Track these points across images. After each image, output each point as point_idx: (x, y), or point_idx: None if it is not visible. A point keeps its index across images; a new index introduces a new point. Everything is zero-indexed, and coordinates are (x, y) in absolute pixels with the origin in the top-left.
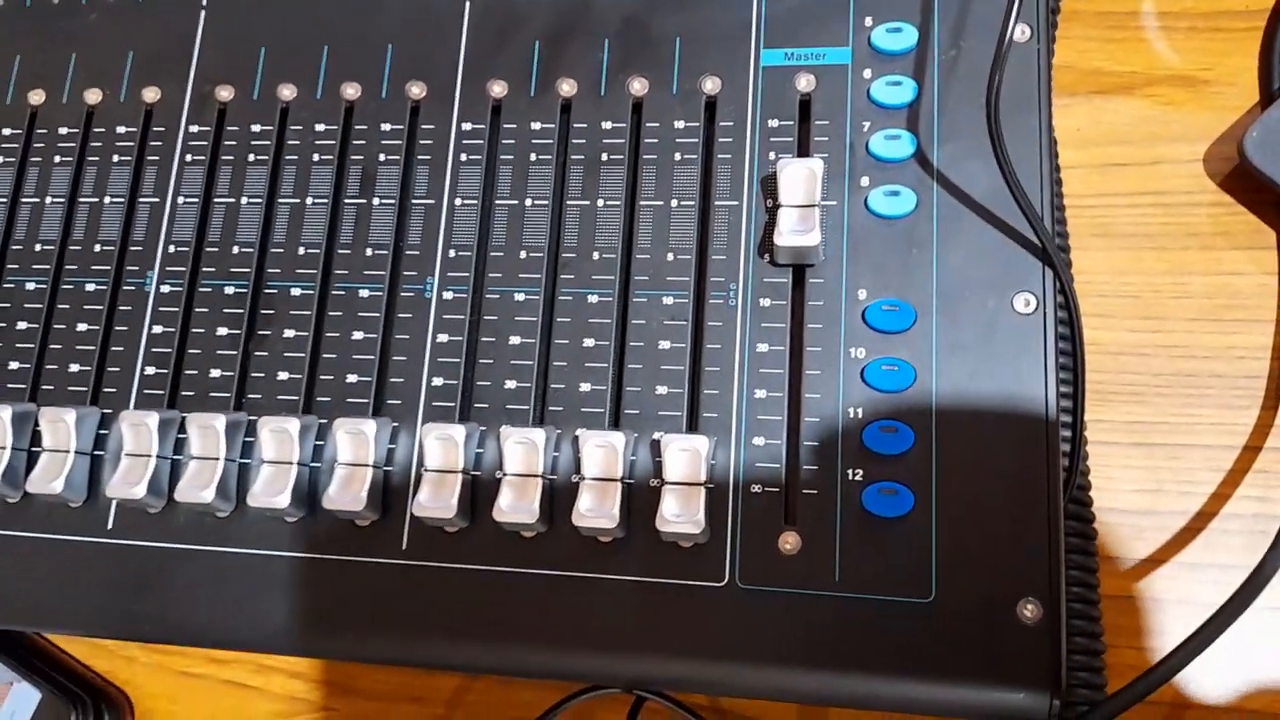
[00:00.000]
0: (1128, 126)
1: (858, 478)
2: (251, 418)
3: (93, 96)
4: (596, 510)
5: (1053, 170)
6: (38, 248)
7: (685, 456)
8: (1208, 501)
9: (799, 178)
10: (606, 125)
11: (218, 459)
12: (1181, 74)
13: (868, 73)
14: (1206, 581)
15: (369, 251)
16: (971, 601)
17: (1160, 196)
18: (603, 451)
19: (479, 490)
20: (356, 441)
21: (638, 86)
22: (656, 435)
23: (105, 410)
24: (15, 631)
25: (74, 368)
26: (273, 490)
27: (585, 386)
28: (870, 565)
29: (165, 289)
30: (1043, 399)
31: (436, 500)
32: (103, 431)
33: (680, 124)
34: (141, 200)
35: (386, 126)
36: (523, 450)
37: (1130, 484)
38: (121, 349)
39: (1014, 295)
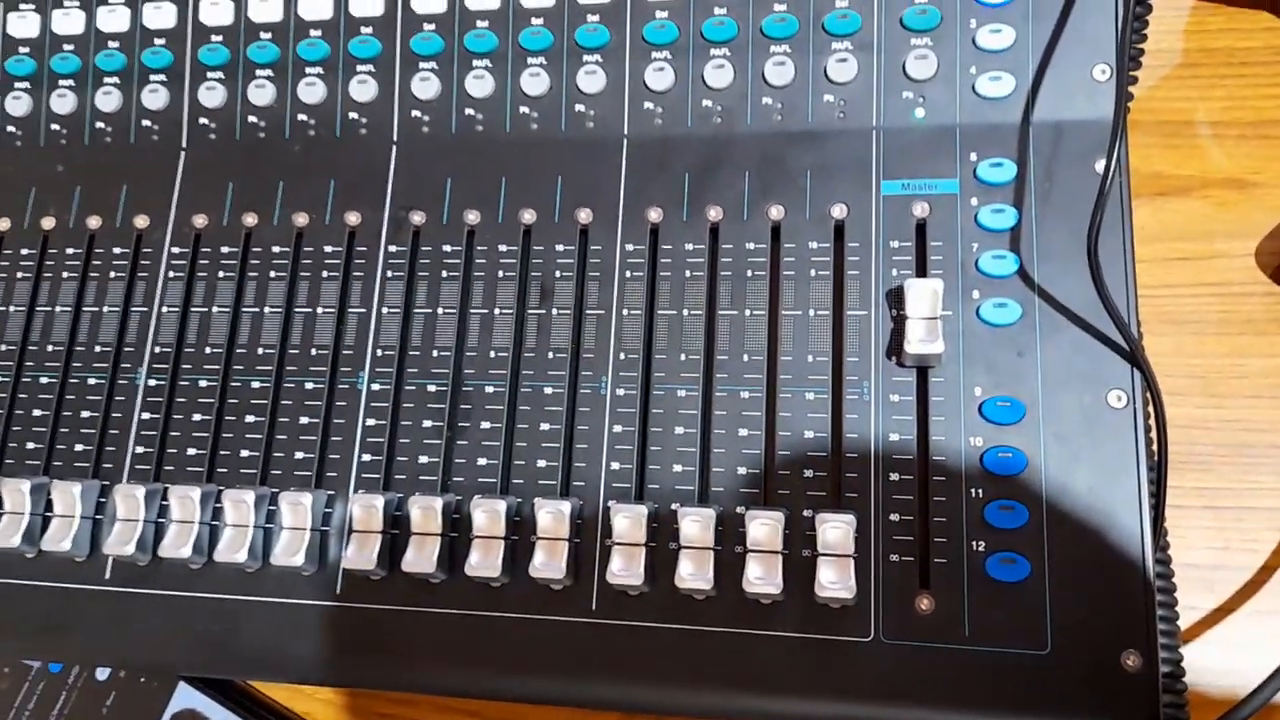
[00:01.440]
0: (1187, 224)
1: (980, 548)
2: (458, 498)
3: (300, 219)
4: (764, 578)
5: (1135, 282)
6: (260, 351)
7: (837, 531)
8: (1270, 556)
9: (923, 295)
10: (750, 246)
11: (437, 535)
12: (1233, 177)
13: (974, 201)
14: (1273, 626)
15: (551, 355)
16: (1082, 654)
17: (1218, 287)
18: (766, 527)
19: (656, 559)
20: (554, 519)
21: (775, 212)
22: (807, 512)
23: (329, 492)
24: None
25: (298, 455)
26: (486, 562)
27: (741, 470)
28: (994, 623)
29: (376, 387)
30: (1135, 478)
31: (627, 569)
32: (328, 510)
33: (814, 244)
34: (350, 310)
35: (560, 247)
36: (697, 526)
37: (1202, 542)
38: (340, 439)
39: (1108, 392)
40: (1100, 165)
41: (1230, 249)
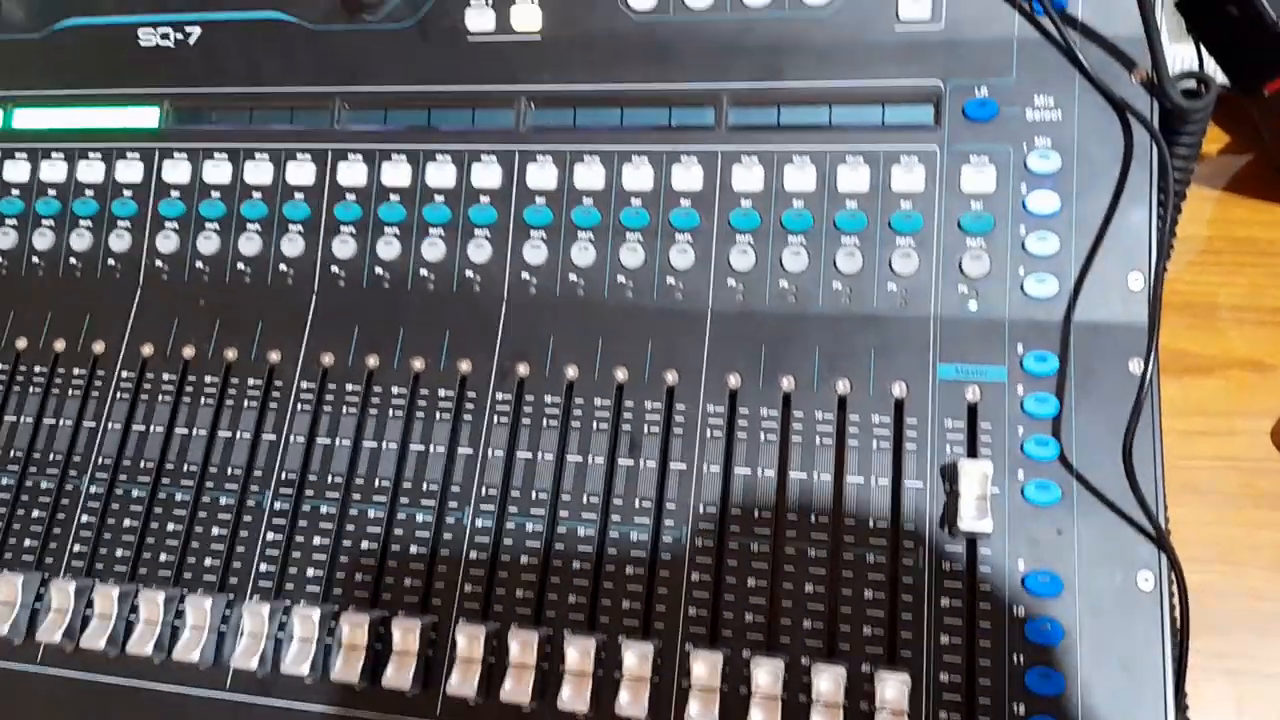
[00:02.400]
0: (1209, 400)
1: (1020, 711)
2: (549, 631)
3: (418, 364)
4: None
5: (1163, 473)
6: (377, 483)
7: (894, 689)
8: None
9: (975, 476)
10: (819, 415)
11: (531, 667)
12: (1253, 359)
13: (1020, 389)
14: None
15: (638, 502)
16: None
17: (1236, 461)
18: (830, 682)
19: (726, 703)
20: (639, 659)
21: (842, 386)
22: (865, 667)
23: (432, 618)
24: None
25: (407, 582)
26: (575, 696)
27: (807, 624)
28: None
29: (480, 523)
30: (1160, 652)
31: (704, 713)
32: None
33: (876, 418)
34: (460, 450)
35: (649, 404)
36: (767, 674)
37: (1218, 705)
38: (444, 569)
39: (1138, 572)
40: (1133, 365)
41: (1248, 426)
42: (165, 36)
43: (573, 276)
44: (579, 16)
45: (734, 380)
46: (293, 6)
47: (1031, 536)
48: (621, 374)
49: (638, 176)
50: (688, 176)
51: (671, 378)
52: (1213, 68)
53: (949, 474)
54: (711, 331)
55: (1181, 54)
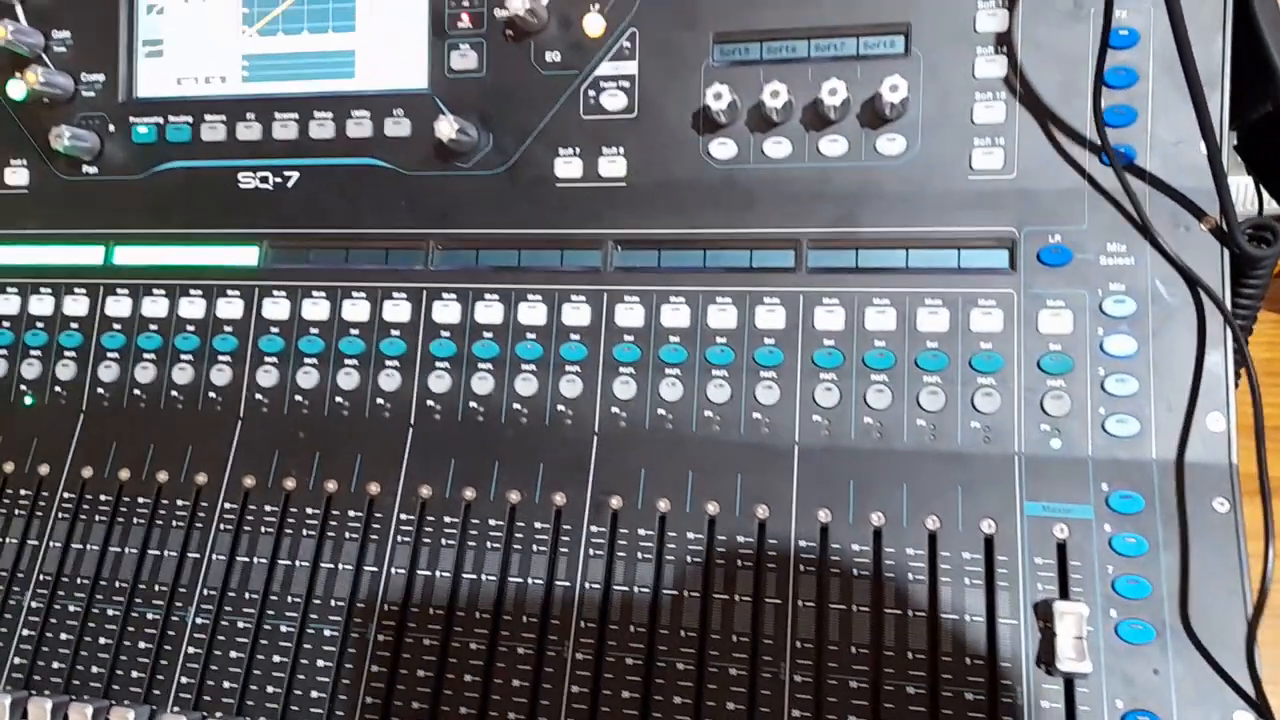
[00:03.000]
0: None
1: None
2: None
3: (514, 496)
4: None
5: (1252, 612)
6: (477, 615)
7: None
8: None
9: (1071, 618)
10: (910, 551)
11: None
12: None
13: (1108, 527)
14: None
15: (734, 637)
16: None
17: None
18: None
19: None
20: None
21: (931, 523)
22: None
23: None
24: None
25: (511, 715)
26: None
27: None
28: None
29: (579, 656)
30: None
31: None
32: None
33: (966, 554)
34: (557, 583)
35: (740, 538)
36: None
37: None
38: (547, 704)
39: (1234, 713)
40: (1218, 504)
41: None
42: (265, 180)
43: (661, 411)
44: (662, 165)
45: (824, 515)
46: (388, 153)
47: (1128, 676)
48: (713, 507)
49: (722, 316)
50: (771, 317)
51: (762, 512)
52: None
53: (1042, 612)
54: (799, 466)
55: (1235, 183)
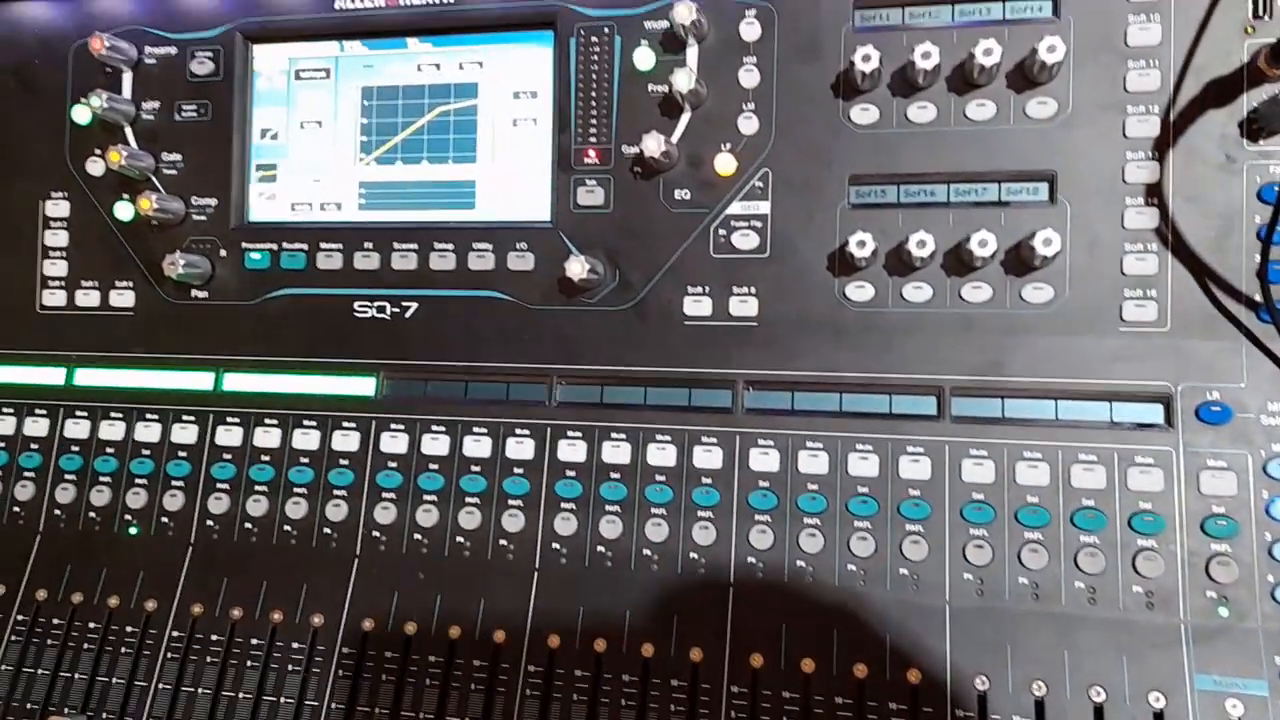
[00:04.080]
0: None
1: None
2: None
3: (647, 650)
4: None
5: None
6: None
7: None
8: None
9: None
10: None
11: None
12: None
13: None
14: None
15: None
16: None
17: None
18: None
19: None
20: None
21: (1096, 694)
22: None
23: None
24: None
25: None
26: None
27: None
28: None
29: None
30: None
31: None
32: None
33: None
34: None
35: (893, 705)
36: None
37: None
38: None
39: None
40: None
41: None
42: (382, 309)
43: (800, 562)
44: (796, 306)
45: (980, 683)
46: (510, 286)
47: None
48: (860, 670)
49: (863, 465)
50: (915, 467)
51: (914, 676)
52: None
53: None
54: (952, 626)
55: None
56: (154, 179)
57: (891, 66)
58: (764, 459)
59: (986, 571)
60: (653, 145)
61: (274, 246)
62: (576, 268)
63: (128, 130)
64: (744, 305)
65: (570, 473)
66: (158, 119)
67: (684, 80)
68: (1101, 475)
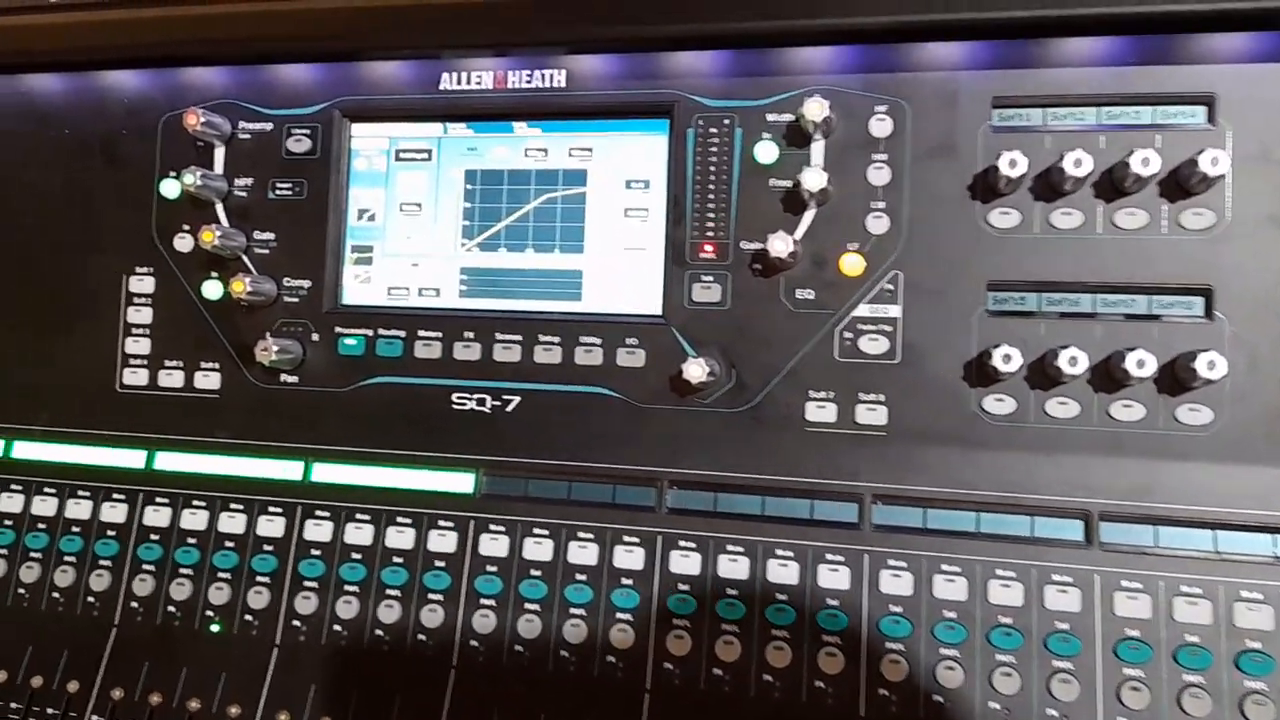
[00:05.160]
0: None
1: None
2: None
3: None
4: None
5: None
6: None
7: None
8: None
9: None
10: None
11: None
12: None
13: None
14: None
15: None
16: None
17: None
18: None
19: None
20: None
21: None
22: None
23: None
24: None
25: None
26: None
27: None
28: None
29: None
30: None
31: None
32: None
33: None
34: None
35: None
36: None
37: None
38: None
39: None
40: None
41: None
42: (482, 402)
43: (937, 698)
44: (928, 417)
45: None
46: (619, 383)
47: None
48: None
49: (1006, 593)
50: (1063, 598)
51: None
52: None
53: None
54: None
55: None
56: (245, 258)
57: (1034, 169)
58: (895, 581)
59: (1143, 717)
60: (780, 246)
61: (369, 332)
62: (696, 370)
63: (219, 207)
64: (872, 413)
65: (683, 586)
66: (250, 196)
67: (815, 179)
68: (1269, 616)
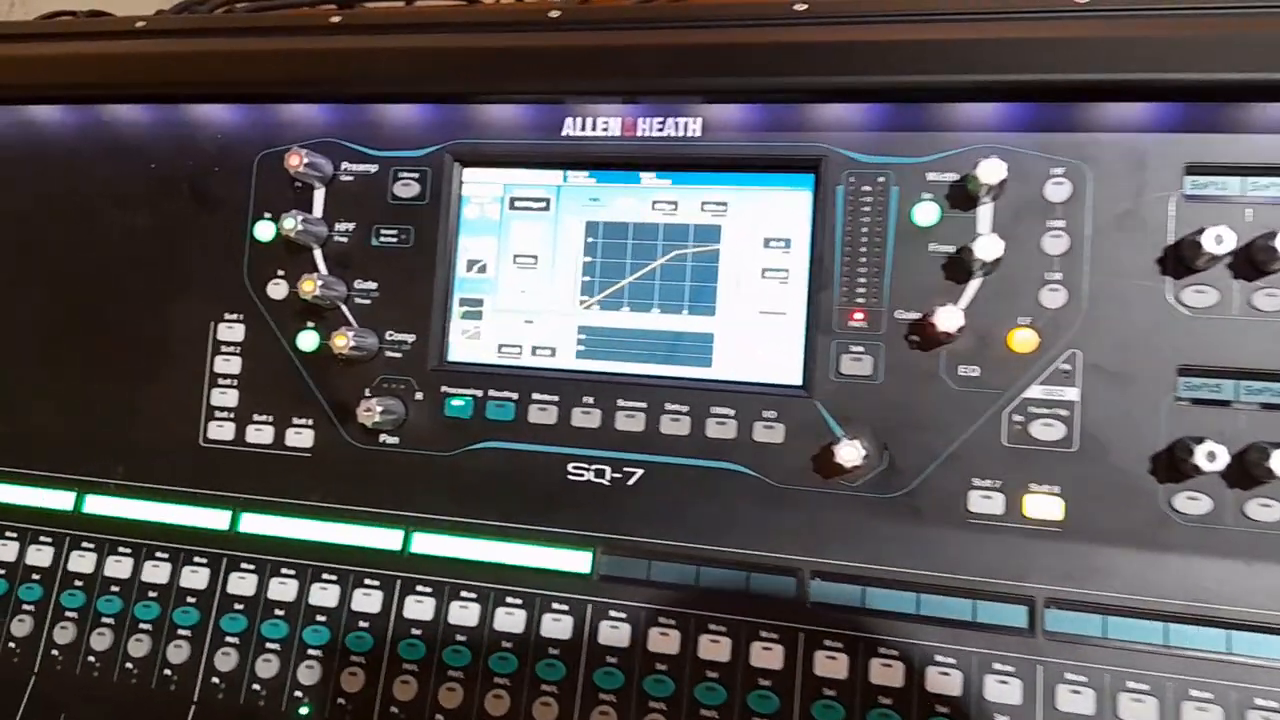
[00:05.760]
0: None
1: None
2: None
3: None
4: None
5: None
6: None
7: None
8: None
9: None
10: None
11: None
12: None
13: None
14: None
15: None
16: None
17: None
18: None
19: None
20: None
21: None
22: None
23: None
24: None
25: None
26: None
27: None
28: None
29: None
30: None
31: None
32: None
33: None
34: None
35: None
36: None
37: None
38: None
39: None
40: None
41: None
42: (601, 474)
43: None
44: (1110, 513)
45: None
46: (754, 459)
47: None
48: None
49: (1204, 718)
50: None
51: None
52: None
53: None
54: None
55: None
56: (344, 307)
57: (1233, 243)
58: (1074, 699)
59: None
60: (949, 320)
61: (478, 393)
62: (850, 454)
63: (317, 253)
64: (1044, 506)
65: (829, 691)
66: (351, 242)
67: (990, 248)
68: None
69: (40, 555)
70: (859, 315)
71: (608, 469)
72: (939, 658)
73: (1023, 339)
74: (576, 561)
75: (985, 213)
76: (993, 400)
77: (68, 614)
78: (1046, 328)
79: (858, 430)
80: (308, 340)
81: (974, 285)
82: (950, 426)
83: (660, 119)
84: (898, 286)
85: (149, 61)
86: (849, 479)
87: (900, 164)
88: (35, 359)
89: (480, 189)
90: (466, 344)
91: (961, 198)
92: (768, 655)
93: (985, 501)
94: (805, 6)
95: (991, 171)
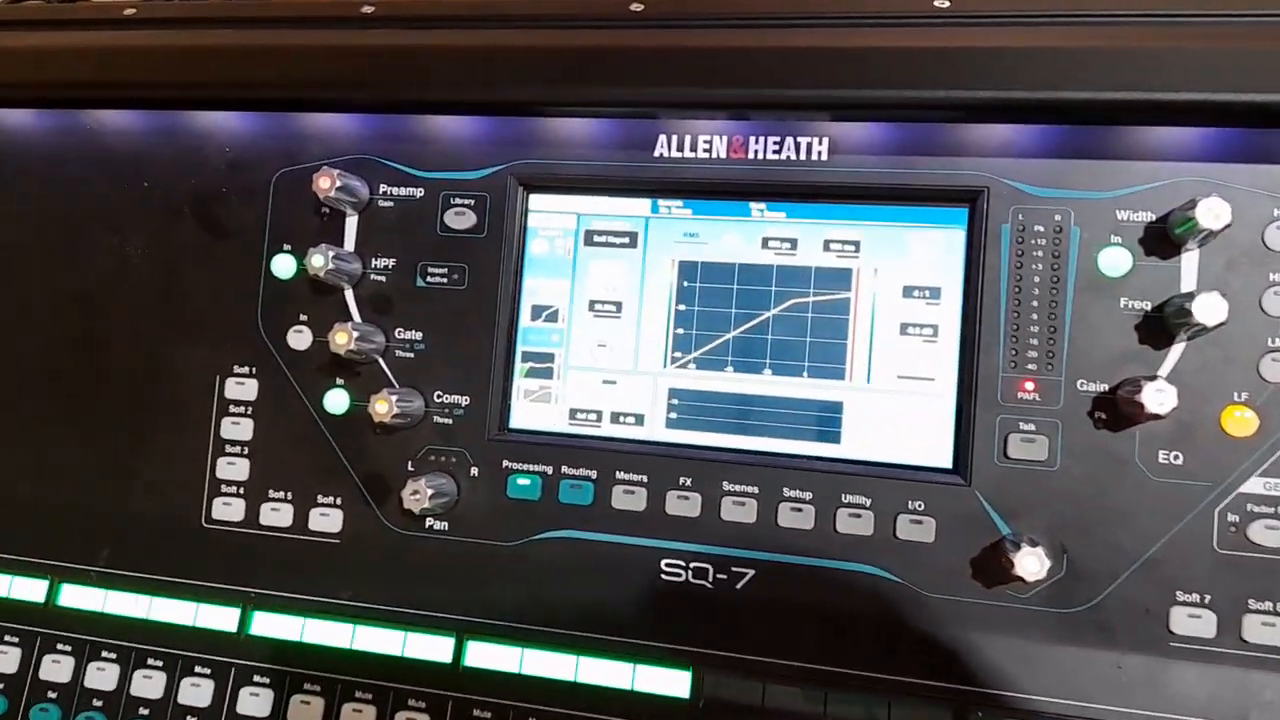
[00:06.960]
0: None
1: None
2: None
3: None
4: None
5: None
6: None
7: None
8: None
9: None
10: None
11: None
12: None
13: None
14: None
15: None
16: None
17: None
18: None
19: None
20: None
21: None
22: None
23: None
24: None
25: None
26: None
27: None
28: None
29: None
30: None
31: None
32: None
33: None
34: None
35: None
36: None
37: None
38: None
39: None
40: None
41: None
42: (701, 574)
43: None
44: None
45: None
46: (896, 562)
47: None
48: None
49: None
50: None
51: None
52: None
53: None
54: None
55: None
56: (381, 362)
57: None
58: None
59: None
60: (1157, 399)
61: (547, 469)
62: (1033, 565)
63: (349, 294)
64: (1270, 630)
65: None
66: (391, 282)
67: (1212, 311)
68: None
69: (5, 660)
70: (1030, 385)
71: (710, 568)
72: None
73: (1239, 420)
74: (672, 683)
75: (1190, 261)
76: (1202, 495)
77: None
78: (1268, 407)
79: (1028, 527)
80: (337, 401)
81: (1176, 351)
82: (1147, 526)
83: (776, 138)
84: (1079, 351)
85: (140, 57)
86: (1018, 589)
87: (1082, 199)
88: (3, 415)
89: (550, 219)
90: (532, 409)
91: (1160, 242)
92: None
93: (1192, 621)
94: (947, 4)
95: (1214, 213)
